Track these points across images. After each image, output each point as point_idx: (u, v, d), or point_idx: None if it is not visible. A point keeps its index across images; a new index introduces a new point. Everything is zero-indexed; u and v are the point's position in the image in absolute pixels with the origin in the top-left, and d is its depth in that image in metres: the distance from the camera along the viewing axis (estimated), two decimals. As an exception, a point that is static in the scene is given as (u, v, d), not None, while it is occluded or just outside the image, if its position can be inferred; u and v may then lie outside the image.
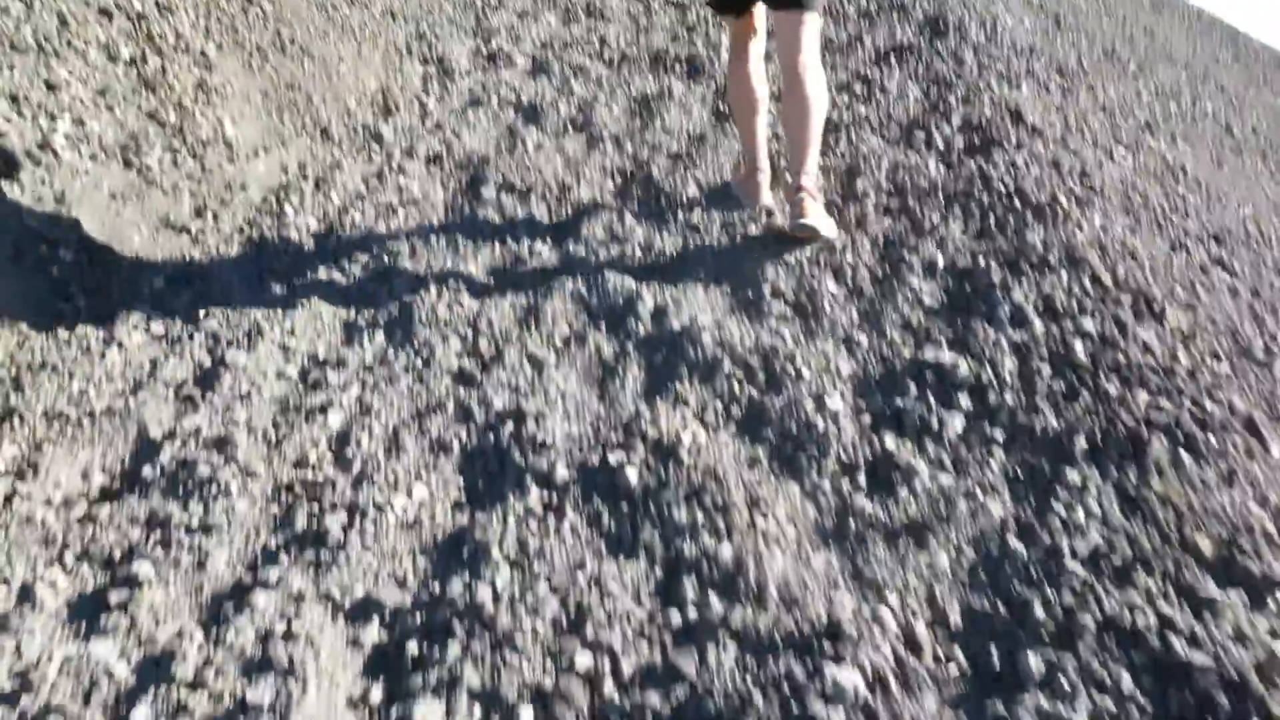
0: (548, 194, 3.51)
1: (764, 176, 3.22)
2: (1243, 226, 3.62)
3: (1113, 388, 2.27)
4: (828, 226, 2.90)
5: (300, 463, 2.29)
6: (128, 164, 3.42)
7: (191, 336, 2.77)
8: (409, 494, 2.18)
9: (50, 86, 3.38)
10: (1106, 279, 2.61)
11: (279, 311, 2.89)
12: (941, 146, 3.46)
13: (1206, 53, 8.55)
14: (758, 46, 3.13)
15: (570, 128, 4.10)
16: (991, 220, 2.95)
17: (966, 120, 3.61)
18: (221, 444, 2.29)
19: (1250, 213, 3.83)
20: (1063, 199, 2.97)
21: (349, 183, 3.71)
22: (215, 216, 3.46)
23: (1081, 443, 2.15)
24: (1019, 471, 2.13)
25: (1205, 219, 3.48)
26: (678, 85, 4.42)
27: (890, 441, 2.21)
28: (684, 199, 3.35)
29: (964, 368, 2.40)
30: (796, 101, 2.88)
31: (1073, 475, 2.08)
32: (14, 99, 3.24)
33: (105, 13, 3.81)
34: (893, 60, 4.39)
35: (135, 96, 3.67)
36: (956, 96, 3.82)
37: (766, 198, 3.20)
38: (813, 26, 2.89)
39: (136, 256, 3.17)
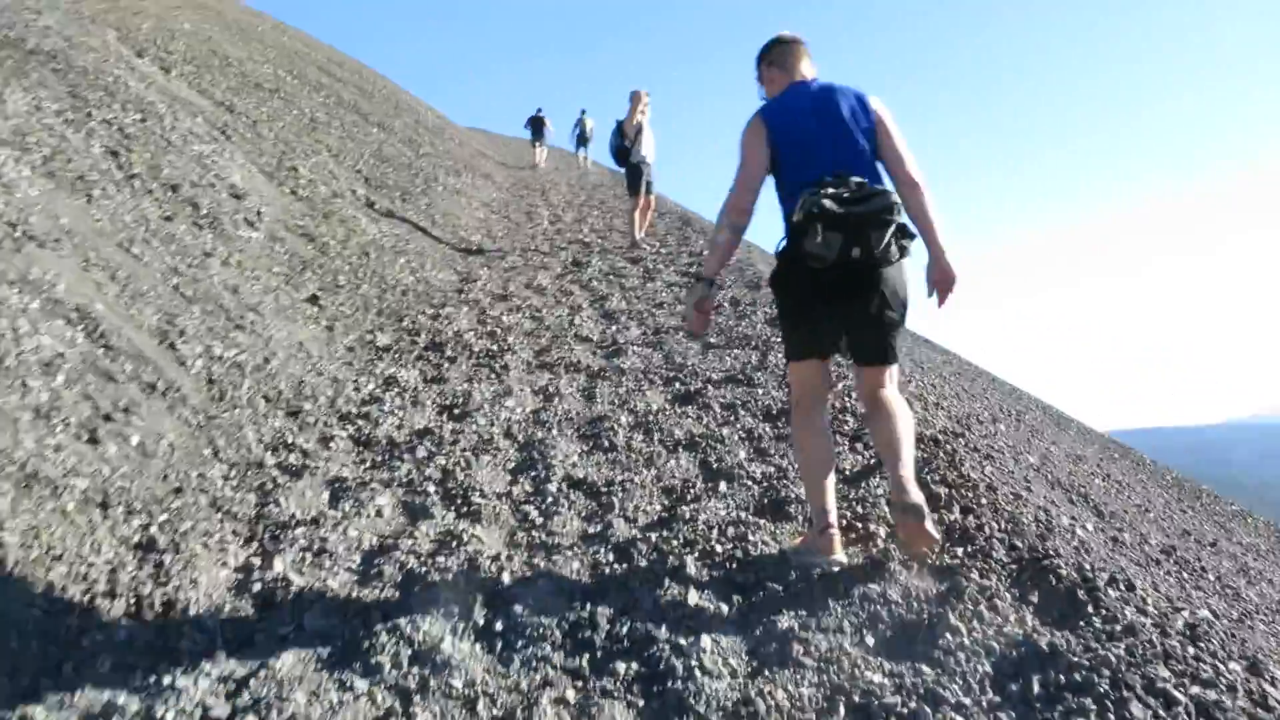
0: None
1: (835, 532, 3.05)
2: None
3: None
4: (934, 537, 2.86)
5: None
6: None
7: None
8: None
9: None
10: None
11: None
12: None
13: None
14: (822, 402, 3.24)
15: None
16: None
17: None
18: None
19: None
20: None
21: None
22: None
23: None
24: None
25: None
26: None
27: None
28: None
29: None
30: (883, 419, 3.00)
31: None
32: None
33: None
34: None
35: None
36: None
37: (841, 553, 3.02)
38: (894, 373, 3.16)
39: None
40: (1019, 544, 3.08)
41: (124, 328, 4.39)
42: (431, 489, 3.77)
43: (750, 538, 3.18)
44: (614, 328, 6.74)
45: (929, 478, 3.67)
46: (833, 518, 3.04)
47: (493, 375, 5.51)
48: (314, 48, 20.80)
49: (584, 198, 17.14)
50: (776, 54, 3.41)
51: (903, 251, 2.99)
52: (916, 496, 2.82)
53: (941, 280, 3.04)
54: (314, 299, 6.37)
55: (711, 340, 6.27)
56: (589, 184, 20.15)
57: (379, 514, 3.54)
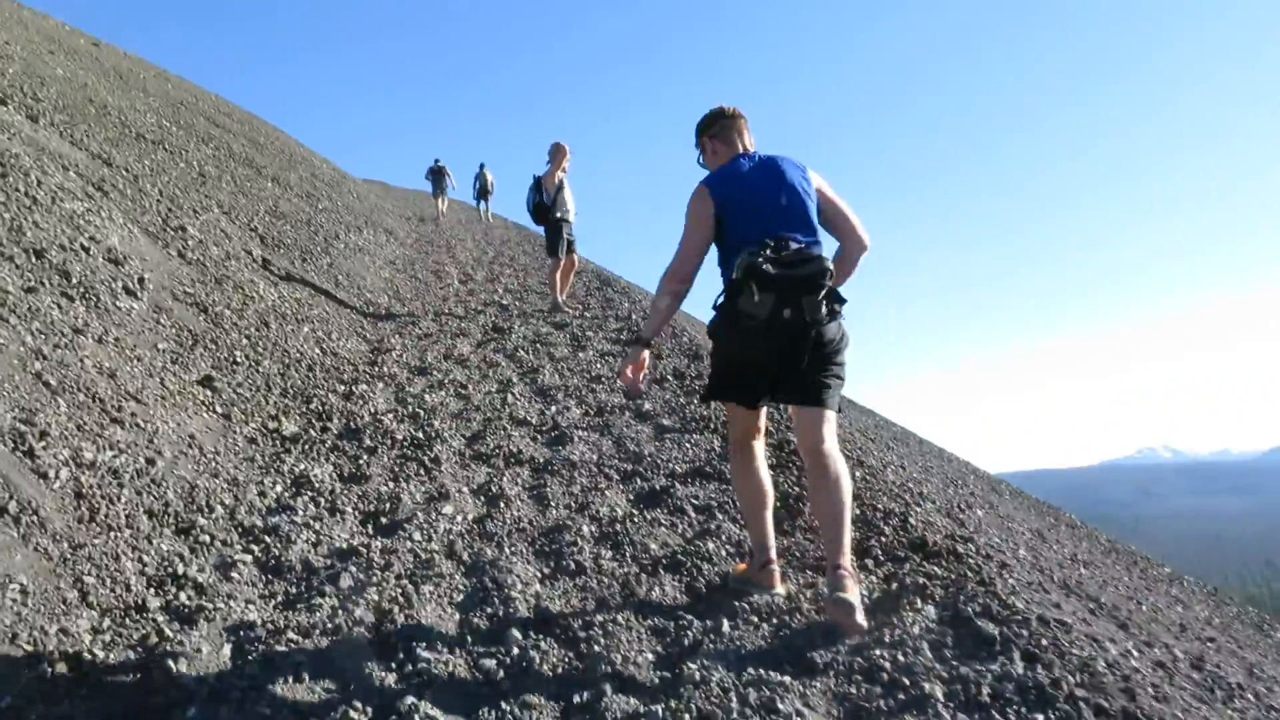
0: None
1: (775, 567, 3.33)
2: None
3: None
4: (862, 613, 2.89)
5: None
6: None
7: None
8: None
9: None
10: None
11: None
12: None
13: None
14: (761, 443, 3.41)
15: None
16: None
17: None
18: None
19: None
20: None
21: None
22: None
23: None
24: None
25: None
26: None
27: None
28: None
29: None
30: (826, 485, 3.06)
31: None
32: None
33: None
34: None
35: None
36: None
37: (780, 587, 3.30)
38: (833, 421, 3.19)
39: None
40: (1105, 704, 2.54)
41: (-34, 433, 3.53)
42: (364, 637, 3.03)
43: (780, 706, 2.55)
44: (553, 408, 6.08)
45: (970, 609, 3.11)
46: (773, 553, 3.35)
47: (422, 471, 4.77)
48: (201, 97, 19.68)
49: (492, 254, 16.48)
50: (718, 127, 3.54)
51: (833, 315, 3.12)
52: (852, 592, 2.91)
53: None
54: (207, 380, 5.53)
55: (665, 423, 5.68)
56: (495, 239, 19.53)
57: (298, 678, 2.79)
